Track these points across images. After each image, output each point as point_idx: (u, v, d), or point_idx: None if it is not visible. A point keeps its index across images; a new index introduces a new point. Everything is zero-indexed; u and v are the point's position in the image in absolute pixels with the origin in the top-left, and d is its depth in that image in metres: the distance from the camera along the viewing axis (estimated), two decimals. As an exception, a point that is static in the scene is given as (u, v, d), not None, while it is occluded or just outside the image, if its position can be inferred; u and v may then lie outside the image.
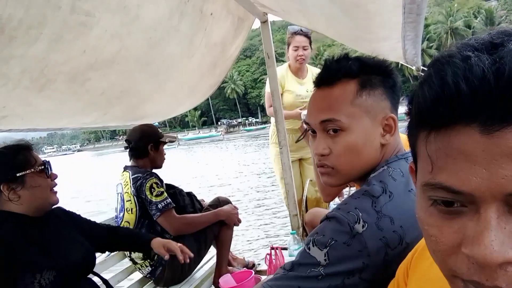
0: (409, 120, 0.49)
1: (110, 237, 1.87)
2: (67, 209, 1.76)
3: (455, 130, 0.39)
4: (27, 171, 1.42)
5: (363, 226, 0.83)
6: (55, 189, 1.53)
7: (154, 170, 2.58)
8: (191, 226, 2.46)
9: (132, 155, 2.55)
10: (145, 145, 2.52)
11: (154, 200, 2.33)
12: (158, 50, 2.17)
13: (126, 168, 2.55)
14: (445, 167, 0.40)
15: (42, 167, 1.46)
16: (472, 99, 0.37)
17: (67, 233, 1.58)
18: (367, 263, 0.82)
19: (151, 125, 2.73)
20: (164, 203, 2.35)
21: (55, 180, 1.53)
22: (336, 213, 0.88)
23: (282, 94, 3.31)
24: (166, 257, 1.81)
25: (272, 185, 10.85)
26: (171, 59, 2.37)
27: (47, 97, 1.81)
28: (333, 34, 2.75)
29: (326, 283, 0.83)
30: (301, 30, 3.31)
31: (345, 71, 0.98)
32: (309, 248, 0.87)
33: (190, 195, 2.75)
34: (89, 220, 1.84)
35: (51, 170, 1.51)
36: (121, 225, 2.42)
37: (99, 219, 2.35)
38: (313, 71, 3.57)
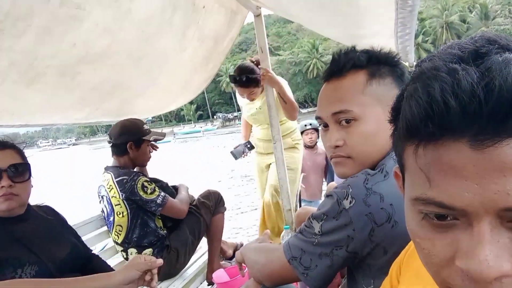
0: (393, 128, 0.49)
1: (86, 259, 1.74)
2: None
3: (444, 145, 0.38)
4: None
5: (350, 202, 0.88)
6: (9, 195, 1.41)
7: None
8: (186, 203, 2.55)
9: (113, 152, 2.45)
10: (124, 143, 2.40)
11: (150, 198, 2.32)
12: (151, 44, 2.15)
13: (107, 169, 2.45)
14: (436, 183, 0.39)
15: None
16: (462, 115, 0.36)
17: (51, 230, 1.55)
18: (352, 237, 0.88)
19: (135, 120, 2.53)
20: (161, 197, 2.36)
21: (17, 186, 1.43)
22: (333, 190, 0.94)
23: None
24: None
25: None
26: (164, 53, 2.35)
27: (36, 91, 1.79)
28: (326, 31, 2.74)
29: (318, 250, 0.94)
30: (242, 79, 3.02)
31: (354, 62, 1.00)
32: (311, 220, 0.97)
33: (175, 188, 2.72)
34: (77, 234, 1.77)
35: (9, 176, 1.40)
36: (113, 229, 2.40)
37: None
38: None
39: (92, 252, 1.81)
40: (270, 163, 3.40)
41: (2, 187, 1.38)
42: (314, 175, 4.36)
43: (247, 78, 3.00)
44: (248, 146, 3.29)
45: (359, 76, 0.99)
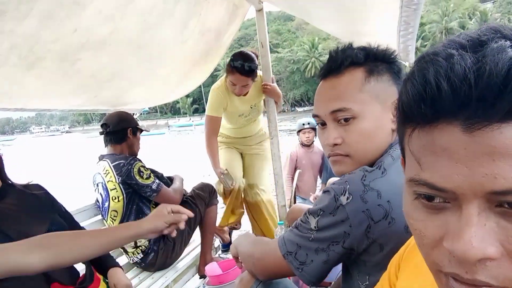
0: (397, 115, 0.50)
1: None
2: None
3: (438, 128, 0.39)
4: None
5: (347, 198, 0.88)
6: None
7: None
8: (180, 193, 2.57)
9: (109, 140, 2.48)
10: (124, 129, 2.47)
11: (146, 183, 2.35)
12: (152, 34, 2.14)
13: (102, 157, 2.47)
14: (429, 164, 0.41)
15: None
16: (453, 98, 0.37)
17: (29, 206, 1.50)
18: (349, 233, 0.88)
19: (127, 112, 2.66)
20: (156, 182, 2.39)
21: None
22: (330, 186, 0.94)
23: (224, 113, 2.99)
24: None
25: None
26: (164, 44, 2.34)
27: (36, 76, 1.78)
28: (328, 27, 2.74)
29: (314, 245, 0.93)
30: (244, 66, 2.71)
31: (352, 59, 0.99)
32: (307, 216, 0.97)
33: (170, 179, 2.74)
34: (67, 211, 1.75)
35: None
36: (108, 216, 2.40)
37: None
38: (256, 82, 2.97)
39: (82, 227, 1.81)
40: (241, 154, 3.29)
41: None
42: (309, 173, 4.38)
43: (250, 68, 2.72)
44: (229, 177, 2.94)
45: (357, 73, 0.99)
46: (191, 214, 1.36)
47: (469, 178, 0.37)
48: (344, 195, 0.88)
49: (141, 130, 2.60)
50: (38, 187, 1.62)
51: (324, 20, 2.47)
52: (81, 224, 2.30)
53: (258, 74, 2.86)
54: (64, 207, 1.71)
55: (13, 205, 1.45)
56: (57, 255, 1.08)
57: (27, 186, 1.58)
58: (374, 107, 0.97)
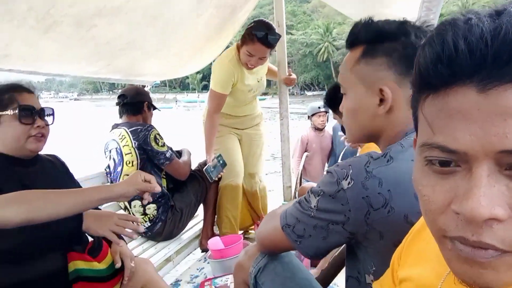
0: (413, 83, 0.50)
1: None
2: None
3: (453, 90, 0.40)
4: (3, 112, 1.37)
5: (348, 183, 0.88)
6: (40, 136, 1.45)
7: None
8: (188, 166, 2.64)
9: (126, 111, 2.52)
10: (141, 102, 2.53)
11: (161, 150, 2.41)
12: (168, 5, 2.12)
13: (117, 125, 2.51)
14: (443, 128, 0.41)
15: (17, 111, 1.38)
16: (469, 57, 0.38)
17: (57, 179, 1.55)
18: (348, 217, 0.88)
19: (143, 88, 2.72)
20: (170, 152, 2.46)
21: (47, 128, 1.47)
22: (333, 167, 0.94)
23: (232, 91, 2.68)
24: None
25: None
26: (180, 16, 2.32)
27: (52, 39, 1.78)
28: (347, 10, 2.70)
29: (314, 222, 0.94)
30: (268, 36, 2.42)
31: (352, 39, 1.01)
32: (309, 194, 0.98)
33: (179, 152, 2.78)
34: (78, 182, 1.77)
35: (41, 117, 1.44)
36: (119, 180, 2.42)
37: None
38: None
39: None
40: (239, 139, 3.00)
41: (38, 126, 1.42)
42: (318, 158, 4.39)
43: (274, 39, 2.47)
44: (221, 162, 2.70)
45: (356, 52, 1.00)
46: (158, 189, 1.39)
47: (481, 138, 0.38)
48: (346, 179, 0.89)
49: (154, 108, 2.66)
50: (55, 157, 1.66)
51: (343, 2, 2.43)
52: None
53: None
54: (75, 178, 1.75)
55: (42, 173, 1.50)
56: (32, 210, 1.13)
57: (48, 156, 1.61)
58: (358, 88, 1.00)
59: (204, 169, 2.60)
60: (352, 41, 1.01)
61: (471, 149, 0.39)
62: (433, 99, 0.43)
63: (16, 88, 1.43)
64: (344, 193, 0.88)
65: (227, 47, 3.01)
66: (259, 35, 2.41)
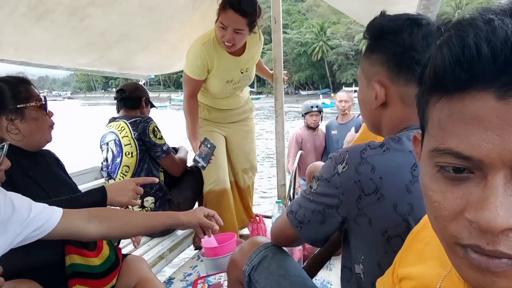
0: (420, 85, 0.49)
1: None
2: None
3: (470, 95, 0.38)
4: (28, 104, 1.36)
5: (343, 168, 0.92)
6: (53, 126, 1.49)
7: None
8: (184, 163, 2.64)
9: (124, 105, 2.52)
10: (140, 98, 2.55)
11: (158, 143, 2.42)
12: (164, -4, 2.09)
13: (115, 118, 2.50)
14: (457, 133, 0.39)
15: (43, 102, 1.41)
16: (493, 62, 0.36)
17: (56, 172, 1.56)
18: (341, 200, 0.93)
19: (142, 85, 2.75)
20: (167, 145, 2.47)
21: (52, 118, 1.48)
22: (334, 153, 0.99)
23: (206, 78, 2.42)
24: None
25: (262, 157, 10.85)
26: (176, 7, 2.29)
27: (44, 28, 1.74)
28: (346, 7, 2.68)
29: (313, 206, 0.98)
30: (239, 1, 2.10)
31: (363, 33, 1.04)
32: (313, 180, 1.02)
33: (176, 149, 2.77)
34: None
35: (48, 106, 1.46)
36: (118, 171, 2.42)
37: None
38: (252, 41, 2.46)
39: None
40: (225, 136, 2.77)
41: (51, 117, 1.46)
42: (312, 156, 4.40)
43: (249, 4, 2.13)
44: (209, 146, 2.43)
45: (365, 46, 1.06)
46: (217, 228, 1.44)
47: (498, 146, 0.36)
48: (342, 164, 0.93)
49: (152, 105, 2.69)
50: (49, 152, 1.64)
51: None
52: (82, 187, 2.30)
53: (257, 29, 2.34)
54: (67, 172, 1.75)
55: (44, 165, 1.50)
56: (110, 228, 1.22)
57: (43, 151, 1.60)
58: (362, 81, 1.05)
59: (193, 160, 2.38)
60: (363, 35, 1.04)
61: (487, 157, 0.37)
62: (446, 102, 0.41)
63: (26, 81, 1.41)
64: (338, 177, 0.92)
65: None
66: (230, 1, 2.10)
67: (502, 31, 0.36)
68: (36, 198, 1.35)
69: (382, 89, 0.97)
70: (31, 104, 1.36)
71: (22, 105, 1.35)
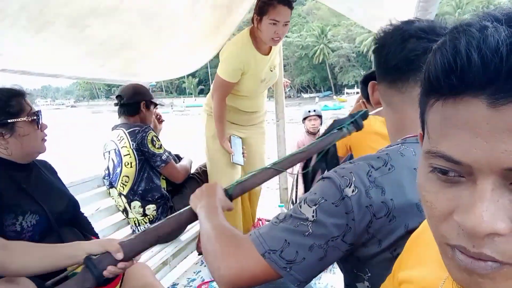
0: (422, 85, 0.49)
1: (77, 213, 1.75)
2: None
3: (464, 100, 0.38)
4: (19, 119, 1.36)
5: (353, 191, 0.83)
6: (45, 138, 1.49)
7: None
8: (185, 171, 2.63)
9: (123, 112, 2.51)
10: (138, 102, 2.49)
11: (157, 152, 2.41)
12: (163, 5, 2.11)
13: (116, 127, 2.50)
14: (449, 137, 0.40)
15: (35, 117, 1.40)
16: (482, 70, 0.36)
17: (50, 182, 1.56)
18: (351, 226, 0.83)
19: (142, 85, 2.65)
20: (166, 154, 2.45)
21: (45, 130, 1.49)
22: (331, 174, 0.88)
23: (241, 79, 2.44)
24: None
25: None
26: (175, 15, 2.30)
27: (44, 39, 1.76)
28: (345, 10, 2.69)
29: (310, 242, 0.83)
30: None
31: None
32: (300, 206, 0.88)
33: (178, 157, 2.78)
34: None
35: (41, 120, 1.45)
36: (119, 181, 2.42)
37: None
38: None
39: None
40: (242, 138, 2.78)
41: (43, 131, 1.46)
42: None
43: None
44: (237, 142, 2.62)
45: None
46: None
47: (487, 153, 0.37)
48: (350, 187, 0.84)
49: (156, 104, 2.63)
50: (45, 163, 1.65)
51: (345, 3, 2.42)
52: (83, 195, 2.33)
53: None
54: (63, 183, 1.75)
55: (38, 177, 1.50)
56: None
57: (39, 162, 1.61)
58: None
59: (232, 162, 2.57)
60: None
61: (476, 163, 0.38)
62: (440, 106, 0.42)
63: (19, 94, 1.41)
64: (349, 200, 0.83)
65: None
66: None
67: (494, 40, 0.36)
68: (28, 211, 1.37)
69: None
70: (22, 119, 1.36)
71: (13, 120, 1.35)
